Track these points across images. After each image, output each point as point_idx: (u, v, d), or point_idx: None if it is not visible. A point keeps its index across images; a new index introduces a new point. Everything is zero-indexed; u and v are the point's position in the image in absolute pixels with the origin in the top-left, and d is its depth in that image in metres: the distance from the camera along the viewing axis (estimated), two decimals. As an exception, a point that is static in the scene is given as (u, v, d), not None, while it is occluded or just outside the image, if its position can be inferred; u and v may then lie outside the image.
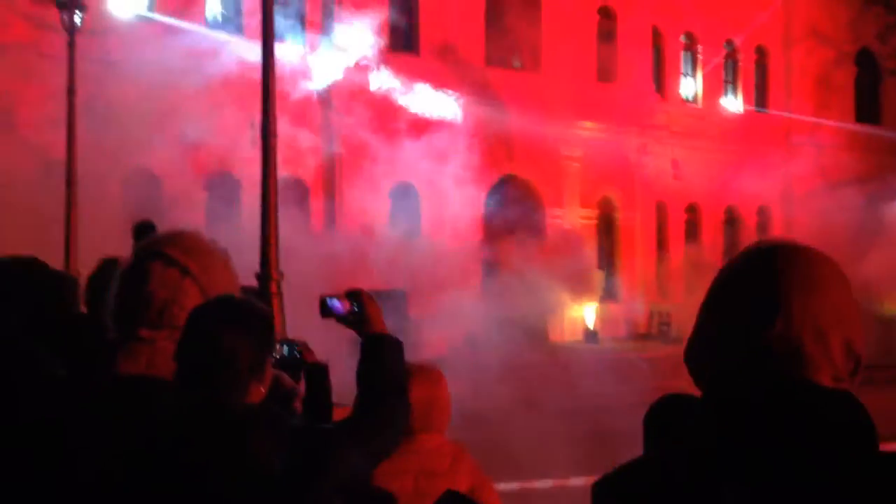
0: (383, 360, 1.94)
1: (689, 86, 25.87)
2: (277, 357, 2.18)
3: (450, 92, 20.18)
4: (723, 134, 25.18)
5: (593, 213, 23.46)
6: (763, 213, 27.01)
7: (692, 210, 25.59)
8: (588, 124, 22.41)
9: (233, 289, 1.90)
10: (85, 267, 4.70)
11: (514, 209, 21.04)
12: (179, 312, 1.87)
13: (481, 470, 2.63)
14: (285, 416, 1.78)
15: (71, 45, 13.39)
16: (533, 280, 17.79)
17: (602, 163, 22.29)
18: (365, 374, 1.93)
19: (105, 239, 10.06)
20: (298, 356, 2.30)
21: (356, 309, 1.99)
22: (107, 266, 4.43)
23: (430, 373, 2.56)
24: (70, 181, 13.44)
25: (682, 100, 25.67)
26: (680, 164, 24.36)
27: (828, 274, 1.18)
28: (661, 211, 24.59)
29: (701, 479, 1.12)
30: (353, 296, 2.00)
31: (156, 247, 1.94)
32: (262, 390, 1.72)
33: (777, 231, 26.16)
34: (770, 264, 1.18)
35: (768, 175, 24.96)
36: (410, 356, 2.07)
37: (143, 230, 4.05)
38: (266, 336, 1.75)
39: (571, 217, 22.69)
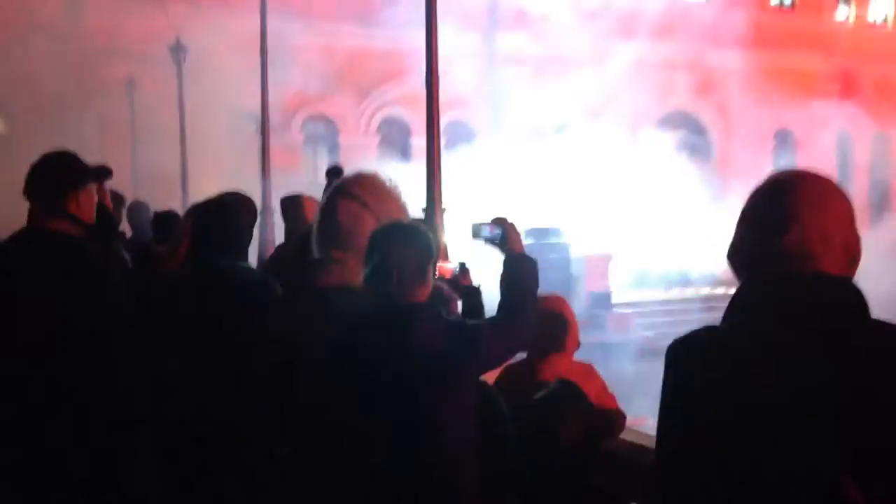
0: (520, 273, 2.43)
1: None
2: (440, 274, 2.74)
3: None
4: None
5: None
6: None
7: None
8: None
9: (402, 216, 2.46)
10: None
11: None
12: (361, 237, 2.44)
13: (608, 389, 3.07)
14: (442, 312, 2.33)
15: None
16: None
17: None
18: (504, 283, 2.43)
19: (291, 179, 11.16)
20: (459, 274, 2.87)
21: (499, 232, 2.49)
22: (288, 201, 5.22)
23: (556, 299, 3.03)
24: (264, 129, 14.66)
25: None
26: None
27: (830, 192, 1.58)
28: None
29: (749, 340, 1.56)
30: (498, 222, 2.51)
31: (342, 187, 2.53)
32: (426, 292, 2.27)
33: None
34: (785, 187, 1.59)
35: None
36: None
37: (334, 172, 4.82)
38: (425, 251, 2.29)
39: None
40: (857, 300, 1.53)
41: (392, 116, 19.57)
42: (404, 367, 2.17)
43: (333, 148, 19.23)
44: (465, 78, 18.52)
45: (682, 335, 1.68)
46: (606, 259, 15.66)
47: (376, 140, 19.47)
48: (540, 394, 2.70)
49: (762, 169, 2.67)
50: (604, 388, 3.07)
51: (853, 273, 1.58)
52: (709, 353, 1.61)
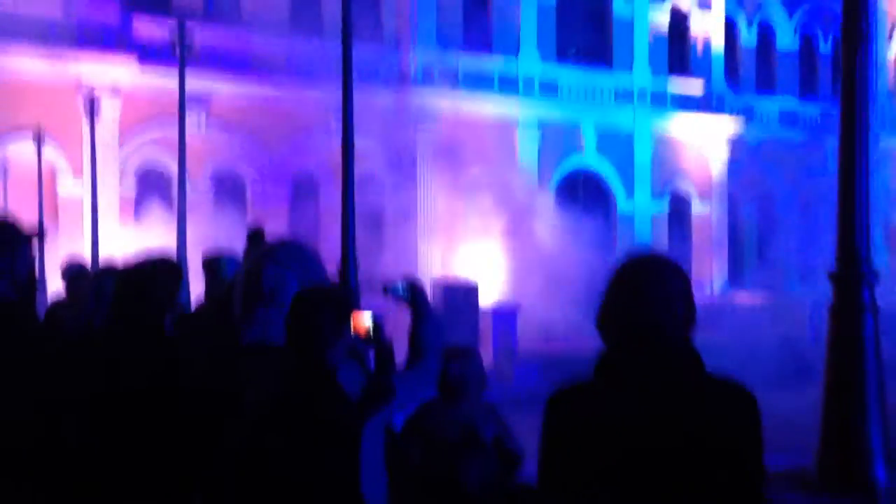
0: (425, 329, 2.70)
1: None
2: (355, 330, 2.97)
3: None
4: None
5: None
6: None
7: None
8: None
9: (322, 277, 2.70)
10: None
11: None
12: (284, 297, 2.67)
13: (505, 423, 3.34)
14: (357, 366, 2.56)
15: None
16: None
17: None
18: (412, 339, 2.70)
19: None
20: (372, 330, 3.12)
21: (408, 291, 2.75)
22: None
23: (466, 351, 3.31)
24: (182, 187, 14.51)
25: None
26: None
27: (670, 270, 1.91)
28: None
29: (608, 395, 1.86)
30: (407, 281, 2.77)
31: (269, 252, 2.76)
32: (342, 348, 2.51)
33: None
34: (635, 268, 1.93)
35: None
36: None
37: (255, 235, 5.07)
38: (344, 311, 2.53)
39: None
40: (695, 360, 1.85)
41: (302, 170, 19.74)
42: (323, 419, 2.39)
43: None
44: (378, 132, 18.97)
45: (558, 389, 1.97)
46: (513, 311, 16.07)
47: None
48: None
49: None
50: (500, 422, 3.33)
51: (691, 335, 1.90)
52: (580, 408, 1.90)
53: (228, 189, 18.71)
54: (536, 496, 2.04)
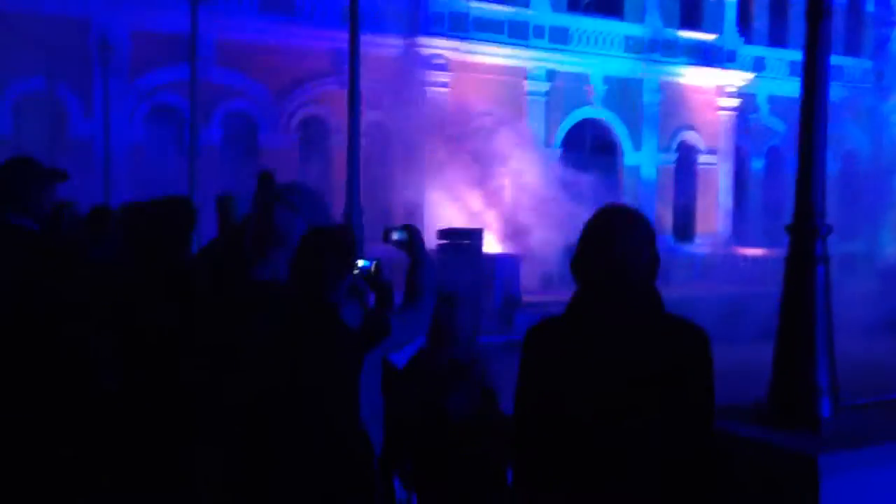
0: (420, 273, 2.96)
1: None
2: (359, 269, 3.24)
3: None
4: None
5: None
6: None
7: None
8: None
9: (328, 220, 2.96)
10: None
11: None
12: (292, 239, 2.92)
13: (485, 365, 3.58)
14: (357, 304, 2.83)
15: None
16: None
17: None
18: (408, 282, 2.96)
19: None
20: (373, 271, 3.37)
21: (406, 236, 3.01)
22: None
23: (455, 296, 3.56)
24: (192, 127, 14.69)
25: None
26: None
27: (636, 221, 2.15)
28: None
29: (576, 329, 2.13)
30: (406, 228, 3.02)
31: (279, 194, 3.01)
32: (345, 287, 2.77)
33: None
34: (606, 217, 2.17)
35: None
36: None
37: (265, 178, 5.30)
38: (346, 253, 2.79)
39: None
40: (655, 300, 2.11)
41: (312, 116, 19.85)
42: (326, 350, 2.67)
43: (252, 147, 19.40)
44: (386, 79, 19.07)
45: (536, 322, 2.24)
46: (517, 260, 16.36)
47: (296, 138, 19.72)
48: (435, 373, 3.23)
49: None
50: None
51: (655, 277, 2.16)
52: (553, 339, 2.17)
53: (239, 132, 18.88)
54: (511, 421, 2.32)
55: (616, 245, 2.11)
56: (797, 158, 2.86)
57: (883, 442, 2.56)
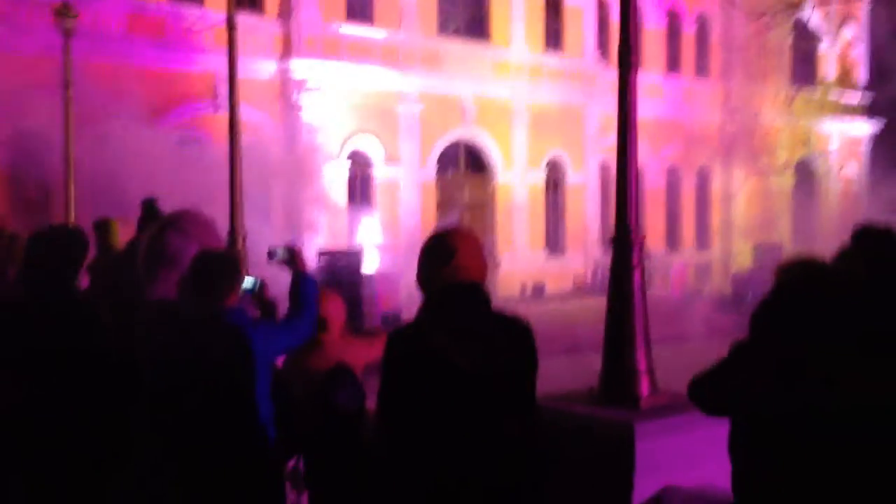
0: (303, 287, 3.35)
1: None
2: (246, 286, 3.59)
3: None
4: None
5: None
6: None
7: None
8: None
9: (217, 243, 3.31)
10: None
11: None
12: (184, 260, 3.25)
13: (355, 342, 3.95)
14: (246, 313, 3.20)
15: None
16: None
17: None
18: (292, 295, 3.34)
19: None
20: (259, 289, 3.72)
21: (288, 255, 3.39)
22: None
23: (329, 293, 3.96)
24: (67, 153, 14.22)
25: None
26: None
27: (472, 239, 2.62)
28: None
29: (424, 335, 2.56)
30: (287, 248, 3.40)
31: (172, 221, 3.34)
32: (234, 300, 3.13)
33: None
34: (444, 237, 2.63)
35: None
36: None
37: (148, 204, 5.54)
38: (235, 272, 3.15)
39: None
40: (486, 299, 2.58)
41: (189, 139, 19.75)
42: (220, 355, 3.02)
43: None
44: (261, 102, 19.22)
45: (394, 330, 2.68)
46: (397, 278, 16.79)
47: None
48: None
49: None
50: (353, 342, 3.93)
51: (484, 280, 2.63)
52: (405, 342, 2.61)
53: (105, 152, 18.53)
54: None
55: (444, 261, 2.56)
56: (616, 179, 3.43)
57: (686, 412, 3.11)
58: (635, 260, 3.31)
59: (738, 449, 2.15)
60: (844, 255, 2.21)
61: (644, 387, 3.30)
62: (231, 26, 11.34)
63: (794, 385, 2.00)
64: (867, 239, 2.23)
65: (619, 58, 3.45)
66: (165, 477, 2.96)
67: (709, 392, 2.21)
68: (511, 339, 2.53)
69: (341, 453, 3.61)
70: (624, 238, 3.33)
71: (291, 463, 3.96)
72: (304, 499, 4.05)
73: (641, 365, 3.30)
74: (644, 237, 3.29)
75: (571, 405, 3.33)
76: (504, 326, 2.55)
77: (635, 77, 3.39)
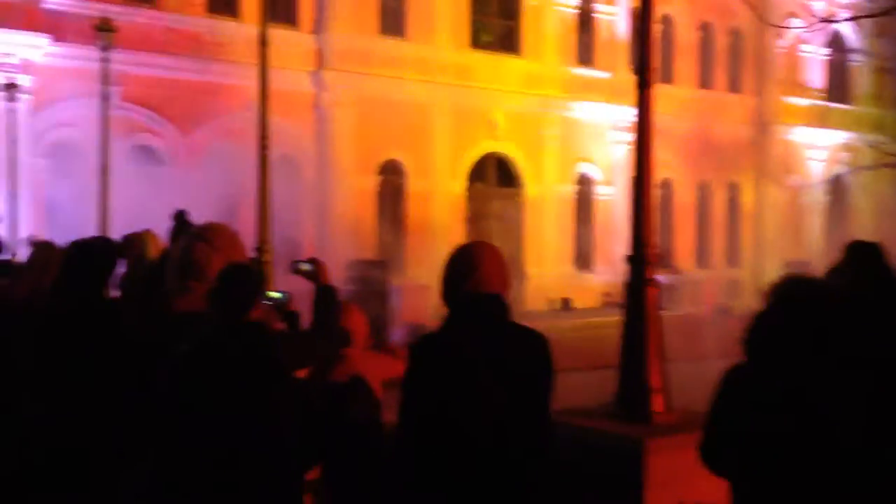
0: (325, 300, 3.44)
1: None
2: (272, 300, 3.68)
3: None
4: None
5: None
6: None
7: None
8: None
9: (242, 256, 3.41)
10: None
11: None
12: (211, 272, 3.35)
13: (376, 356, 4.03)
14: (270, 325, 3.29)
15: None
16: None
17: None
18: (316, 309, 3.43)
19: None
20: (285, 301, 3.81)
21: (312, 268, 3.48)
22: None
23: (352, 307, 4.05)
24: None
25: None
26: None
27: (488, 253, 2.70)
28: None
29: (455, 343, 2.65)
30: (311, 260, 3.50)
31: (199, 233, 3.45)
32: (257, 313, 3.22)
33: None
34: (467, 250, 2.71)
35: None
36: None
37: (181, 216, 5.68)
38: (258, 285, 3.24)
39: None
40: (506, 310, 2.66)
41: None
42: (245, 367, 3.11)
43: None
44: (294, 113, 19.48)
45: (418, 338, 2.76)
46: (423, 289, 16.88)
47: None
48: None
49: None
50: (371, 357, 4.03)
51: (506, 292, 2.71)
52: (429, 350, 2.70)
53: (144, 167, 18.89)
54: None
55: (470, 275, 2.65)
56: (633, 199, 3.49)
57: (699, 429, 3.16)
58: (649, 276, 3.36)
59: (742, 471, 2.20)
60: (836, 270, 2.26)
61: (657, 404, 3.35)
62: (263, 41, 11.55)
63: (803, 416, 2.05)
64: (856, 253, 2.29)
65: (637, 74, 3.51)
66: (186, 487, 3.01)
67: (719, 463, 2.30)
68: (528, 350, 2.61)
69: (358, 465, 3.69)
70: (638, 254, 3.38)
71: (312, 475, 4.04)
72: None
73: (655, 383, 3.34)
74: (658, 252, 3.34)
75: (586, 420, 3.38)
76: (522, 338, 2.63)
77: (652, 93, 3.45)
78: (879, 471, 1.96)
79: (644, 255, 3.37)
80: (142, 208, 15.55)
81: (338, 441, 3.67)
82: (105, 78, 14.48)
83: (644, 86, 3.42)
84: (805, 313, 2.06)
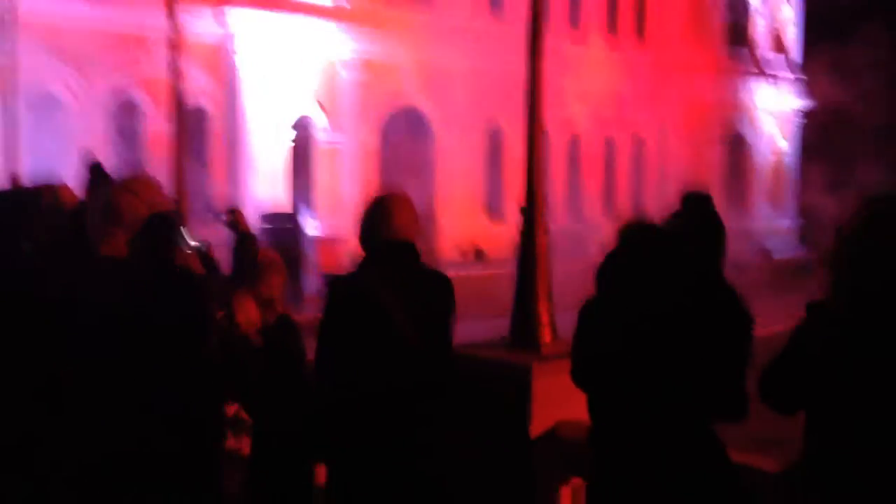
0: (248, 247, 3.73)
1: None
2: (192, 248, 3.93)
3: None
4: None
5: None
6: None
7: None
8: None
9: (167, 205, 3.65)
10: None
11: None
12: (135, 221, 3.58)
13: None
14: (193, 270, 3.55)
15: None
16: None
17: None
18: (236, 253, 3.72)
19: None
20: (205, 249, 4.07)
21: (233, 218, 3.76)
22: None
23: (269, 254, 4.35)
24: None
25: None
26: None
27: (401, 203, 3.03)
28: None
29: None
30: (231, 210, 3.78)
31: (124, 184, 3.66)
32: (180, 259, 3.47)
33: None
34: (383, 201, 3.03)
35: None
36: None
37: (96, 169, 5.79)
38: (176, 230, 3.48)
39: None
40: (416, 255, 3.00)
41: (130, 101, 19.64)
42: (174, 308, 3.35)
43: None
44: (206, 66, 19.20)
45: (337, 279, 3.08)
46: (337, 241, 17.11)
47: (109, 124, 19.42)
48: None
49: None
50: None
51: (416, 239, 3.04)
52: (344, 288, 3.02)
53: (43, 112, 18.39)
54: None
55: (386, 222, 2.98)
56: (526, 152, 3.86)
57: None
58: (541, 225, 3.76)
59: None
60: (674, 216, 2.69)
61: (546, 335, 3.78)
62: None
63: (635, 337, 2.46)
64: (691, 202, 2.74)
65: (529, 24, 3.83)
66: (105, 424, 3.10)
67: (584, 382, 2.70)
68: (434, 289, 2.96)
69: (286, 396, 4.00)
70: (531, 205, 3.78)
71: (231, 409, 4.33)
72: (245, 444, 4.42)
73: (544, 317, 3.77)
74: (546, 204, 3.74)
75: (483, 350, 3.80)
76: (429, 279, 2.98)
77: (542, 43, 3.79)
78: (689, 372, 2.43)
79: (535, 205, 3.76)
80: (48, 157, 15.27)
81: (265, 374, 3.97)
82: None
83: (536, 33, 3.76)
84: (641, 253, 2.49)
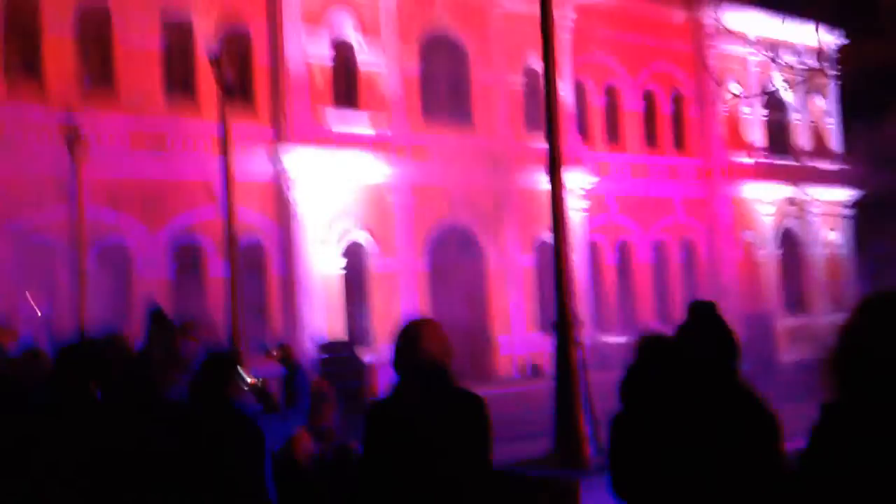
0: (297, 382, 3.92)
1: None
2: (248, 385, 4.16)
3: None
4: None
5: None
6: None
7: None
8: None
9: (222, 346, 3.90)
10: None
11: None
12: (193, 361, 3.84)
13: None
14: (250, 406, 3.76)
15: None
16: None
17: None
18: (287, 390, 3.91)
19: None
20: (260, 385, 4.29)
21: (283, 354, 3.97)
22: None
23: (320, 385, 4.54)
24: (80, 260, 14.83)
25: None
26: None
27: (431, 327, 3.21)
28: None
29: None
30: (282, 346, 3.99)
31: (181, 329, 3.95)
32: (238, 393, 3.69)
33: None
34: (411, 327, 3.22)
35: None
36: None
37: (155, 312, 6.08)
38: (232, 370, 3.72)
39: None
40: (446, 377, 3.15)
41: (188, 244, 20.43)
42: (234, 445, 3.56)
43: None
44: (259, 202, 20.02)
45: (374, 402, 3.25)
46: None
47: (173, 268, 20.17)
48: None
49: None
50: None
51: (448, 361, 3.20)
52: (380, 416, 3.17)
53: (108, 260, 19.19)
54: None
55: (415, 347, 3.15)
56: (555, 272, 4.05)
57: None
58: (576, 338, 3.90)
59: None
60: (682, 328, 2.82)
61: (592, 450, 3.85)
62: (227, 133, 12.10)
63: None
64: (696, 311, 2.86)
65: (547, 137, 4.07)
66: None
67: (625, 493, 2.81)
68: (466, 412, 3.10)
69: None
70: (564, 320, 3.92)
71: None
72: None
73: (588, 431, 3.86)
74: (581, 320, 3.88)
75: (529, 468, 3.88)
76: (461, 401, 3.12)
77: (560, 157, 4.02)
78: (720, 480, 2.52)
79: (568, 319, 3.91)
80: (114, 304, 15.91)
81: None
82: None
83: (555, 149, 4.00)
84: (655, 368, 2.62)
